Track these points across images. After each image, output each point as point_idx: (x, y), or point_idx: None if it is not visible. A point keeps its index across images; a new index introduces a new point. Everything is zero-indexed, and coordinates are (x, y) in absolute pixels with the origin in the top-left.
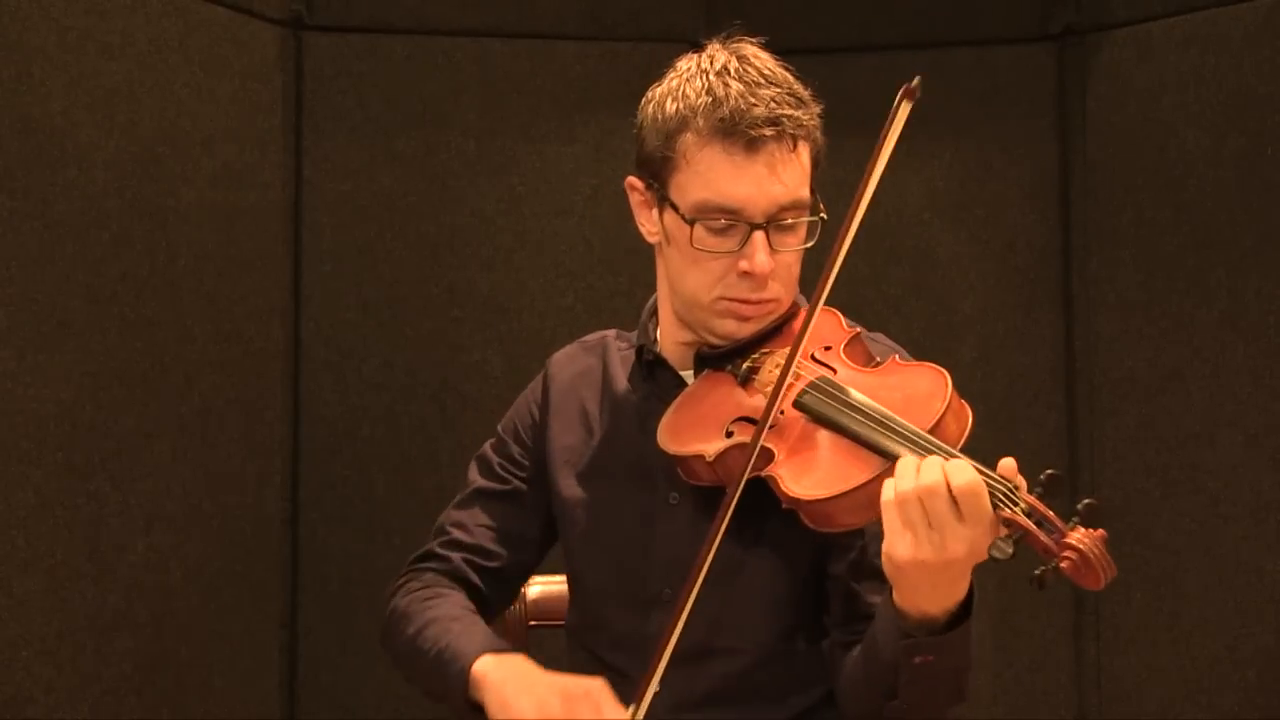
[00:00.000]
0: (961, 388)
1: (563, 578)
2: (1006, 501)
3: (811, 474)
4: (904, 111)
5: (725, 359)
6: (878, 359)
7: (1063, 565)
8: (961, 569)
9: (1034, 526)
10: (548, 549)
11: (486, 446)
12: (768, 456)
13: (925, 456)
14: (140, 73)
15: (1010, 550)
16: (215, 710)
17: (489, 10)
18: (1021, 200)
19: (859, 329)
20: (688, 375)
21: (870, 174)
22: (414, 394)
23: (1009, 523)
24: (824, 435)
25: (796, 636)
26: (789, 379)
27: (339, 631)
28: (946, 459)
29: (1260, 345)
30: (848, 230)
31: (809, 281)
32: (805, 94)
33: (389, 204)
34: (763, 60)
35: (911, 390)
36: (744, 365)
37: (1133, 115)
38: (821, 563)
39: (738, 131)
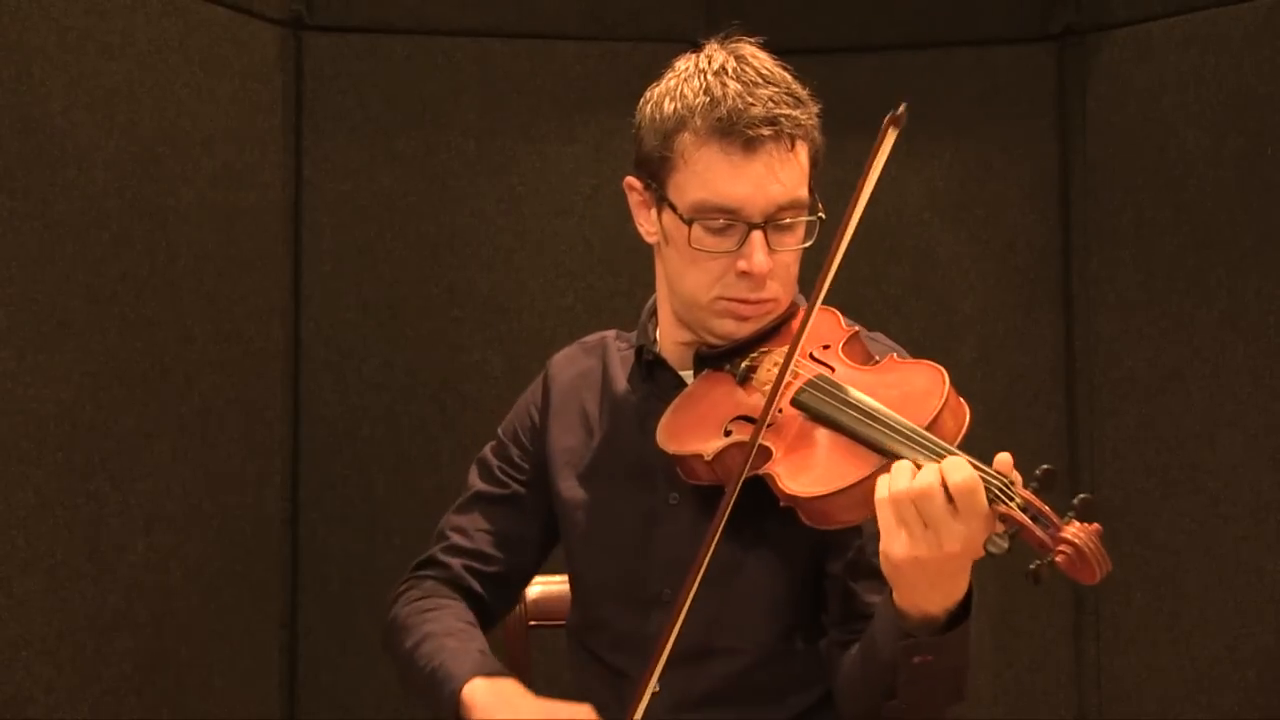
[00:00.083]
0: (961, 388)
1: (562, 578)
2: (1002, 497)
3: (809, 471)
4: (890, 139)
5: (724, 358)
6: (876, 358)
7: (1058, 560)
8: (958, 565)
9: (1029, 521)
10: (548, 552)
11: (487, 449)
12: (765, 454)
13: (920, 454)
14: (140, 73)
15: (1006, 545)
16: (215, 710)
17: (489, 10)
18: (1021, 200)
19: (857, 328)
20: (687, 375)
21: (856, 201)
22: (414, 394)
23: (1005, 518)
24: (821, 433)
25: (795, 636)
26: (787, 377)
27: (339, 631)
28: (943, 456)
29: (1260, 345)
30: (834, 256)
31: (807, 282)
32: (803, 93)
33: (389, 204)
34: (761, 60)
35: (909, 388)
36: (742, 364)
37: (1133, 115)
38: (820, 562)
39: (735, 131)
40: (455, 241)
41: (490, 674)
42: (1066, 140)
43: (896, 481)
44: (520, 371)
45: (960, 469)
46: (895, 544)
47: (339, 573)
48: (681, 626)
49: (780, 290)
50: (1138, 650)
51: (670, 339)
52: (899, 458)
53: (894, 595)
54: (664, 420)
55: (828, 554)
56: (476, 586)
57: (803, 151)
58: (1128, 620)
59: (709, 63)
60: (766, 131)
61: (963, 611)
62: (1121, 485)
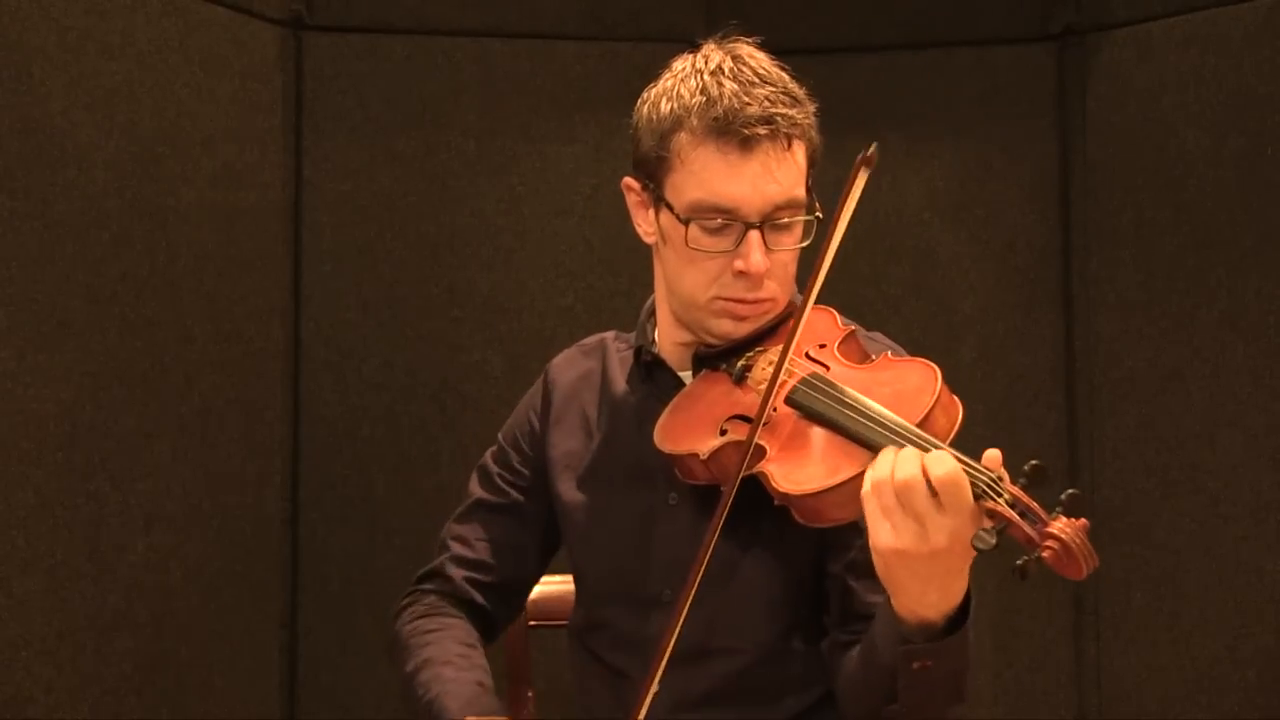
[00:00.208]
0: (961, 388)
1: (562, 578)
2: (990, 492)
3: (801, 469)
4: (861, 179)
5: (722, 358)
6: (873, 356)
7: (1044, 555)
8: (949, 564)
9: (1017, 517)
10: (549, 559)
11: (487, 456)
12: (760, 453)
13: (905, 448)
14: (140, 73)
15: (993, 541)
16: (215, 710)
17: (489, 10)
18: (1021, 200)
19: (853, 327)
20: (686, 376)
21: (830, 240)
22: (414, 394)
23: (992, 513)
24: (815, 431)
25: (794, 636)
26: (782, 376)
27: (339, 631)
28: (929, 450)
29: (1260, 345)
30: (809, 296)
31: (803, 284)
32: (800, 93)
33: (389, 204)
34: (758, 59)
35: (902, 386)
36: (739, 364)
37: (1133, 115)
38: (820, 562)
39: (731, 131)
40: (455, 241)
41: (482, 713)
42: (1066, 140)
43: (877, 470)
44: (520, 371)
45: (943, 462)
46: (880, 534)
47: (339, 573)
48: (685, 627)
49: (778, 290)
50: (1138, 650)
51: (669, 339)
52: None
53: (891, 600)
54: (661, 420)
55: (828, 553)
56: (479, 598)
57: (800, 151)
58: (1128, 620)
59: (705, 63)
60: (763, 131)
61: (961, 616)
62: (1121, 485)
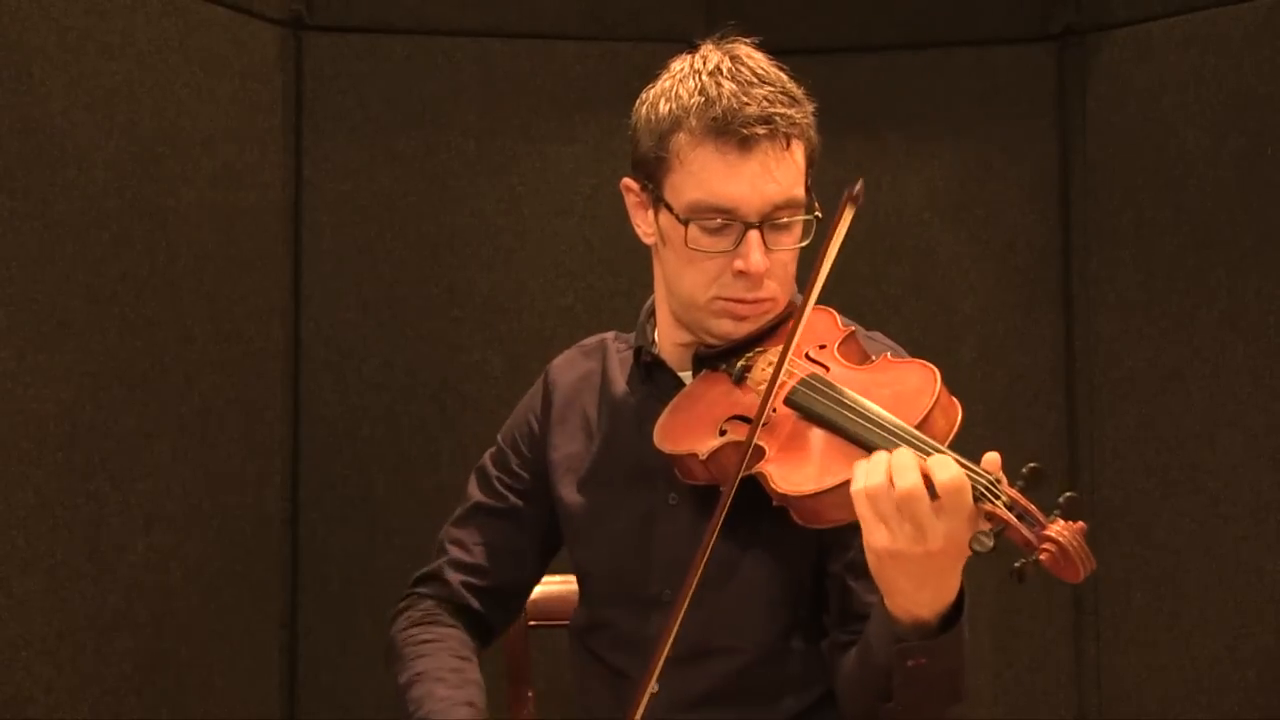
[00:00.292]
0: (961, 388)
1: (562, 578)
2: (988, 495)
3: (799, 470)
4: (847, 216)
5: (721, 358)
6: (873, 357)
7: (1042, 558)
8: (943, 563)
9: (1015, 519)
10: (548, 563)
11: (486, 458)
12: (759, 454)
13: (897, 450)
14: (140, 73)
15: (991, 544)
16: (215, 710)
17: (489, 10)
18: (1021, 200)
19: (853, 328)
20: (686, 376)
21: (816, 276)
22: (414, 394)
23: (990, 516)
24: (814, 432)
25: (794, 636)
26: (781, 376)
27: (339, 631)
28: (930, 454)
29: (1260, 345)
30: (807, 300)
31: (802, 284)
32: (799, 92)
33: (389, 204)
34: (756, 60)
35: (901, 387)
36: (738, 364)
37: (1133, 115)
38: (819, 562)
39: (730, 131)
40: (455, 241)
41: None
42: (1066, 140)
43: (873, 477)
44: (520, 371)
45: (947, 467)
46: (875, 536)
47: (339, 573)
48: (685, 627)
49: (778, 289)
50: (1138, 650)
51: (669, 340)
52: None
53: (884, 599)
54: (661, 421)
55: (827, 553)
56: (475, 604)
57: (798, 150)
58: (1128, 620)
59: (704, 63)
60: (761, 131)
61: (955, 614)
62: (1121, 485)
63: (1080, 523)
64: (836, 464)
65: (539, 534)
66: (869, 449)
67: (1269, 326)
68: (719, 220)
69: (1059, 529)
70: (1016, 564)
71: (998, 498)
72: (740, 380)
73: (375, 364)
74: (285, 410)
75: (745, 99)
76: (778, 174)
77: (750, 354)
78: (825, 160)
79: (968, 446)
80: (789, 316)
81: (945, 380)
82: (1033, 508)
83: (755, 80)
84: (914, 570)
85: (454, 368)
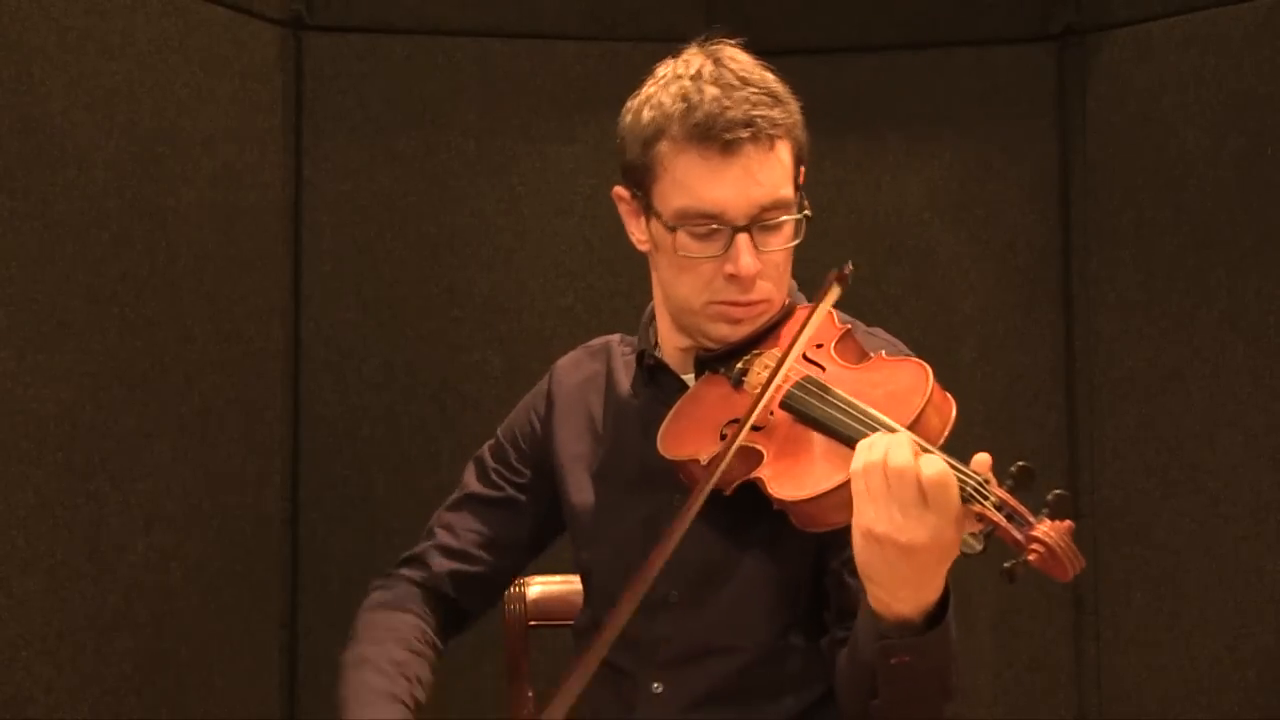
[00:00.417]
0: (961, 388)
1: (561, 578)
2: (977, 496)
3: (795, 475)
4: (833, 294)
5: (721, 361)
6: (871, 355)
7: (1030, 558)
8: (925, 561)
9: (1004, 520)
10: (535, 556)
11: (484, 449)
12: (757, 458)
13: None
14: (140, 73)
15: (979, 546)
16: (215, 710)
17: (489, 10)
18: (1021, 200)
19: (849, 325)
20: (689, 379)
21: (792, 346)
22: (414, 394)
23: (980, 517)
24: (810, 435)
25: (795, 635)
26: (778, 380)
27: (339, 631)
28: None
29: (1260, 345)
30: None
31: (807, 282)
32: (783, 91)
33: (389, 204)
34: (739, 62)
35: (894, 386)
36: (737, 367)
37: (1133, 115)
38: (820, 559)
39: (712, 135)
40: (455, 241)
41: None
42: (1066, 140)
43: (872, 452)
44: (520, 371)
45: (934, 464)
46: (862, 515)
47: (339, 573)
48: (680, 626)
49: (772, 290)
50: (1138, 650)
51: (670, 344)
52: None
53: (867, 595)
54: (664, 426)
55: (828, 550)
56: (452, 592)
57: (784, 150)
58: (1128, 620)
59: (686, 68)
60: (744, 134)
61: (941, 613)
62: (1121, 485)
63: (1068, 521)
64: (831, 468)
65: (531, 528)
66: None
67: (1269, 326)
68: (707, 226)
69: (1046, 530)
70: (1006, 564)
71: (986, 498)
72: (738, 384)
73: (375, 364)
74: (285, 410)
75: (727, 103)
76: (762, 176)
77: (748, 356)
78: (825, 160)
79: (968, 446)
80: (788, 316)
81: (945, 380)
82: (1021, 508)
83: (737, 83)
84: (894, 560)
85: (454, 368)
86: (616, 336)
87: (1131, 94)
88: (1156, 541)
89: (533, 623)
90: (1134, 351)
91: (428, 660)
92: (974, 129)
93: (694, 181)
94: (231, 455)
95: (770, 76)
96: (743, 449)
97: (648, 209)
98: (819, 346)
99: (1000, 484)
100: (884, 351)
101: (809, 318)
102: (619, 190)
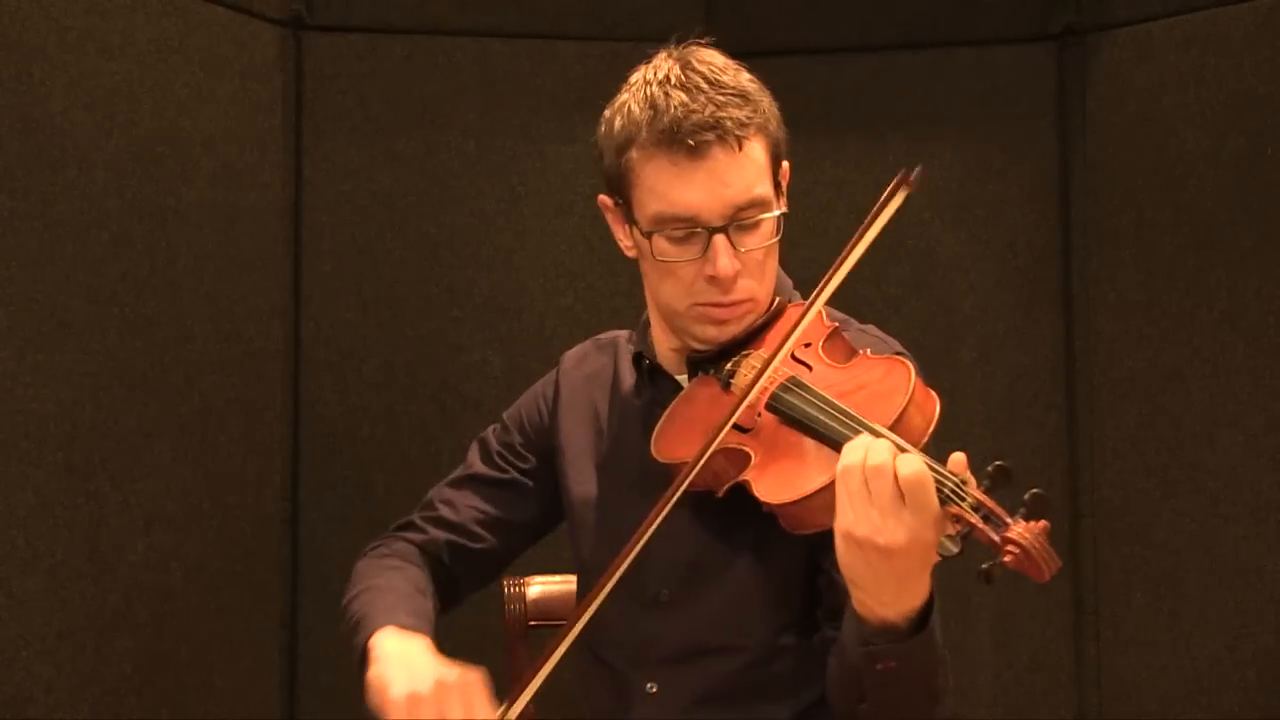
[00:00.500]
0: (961, 388)
1: (562, 578)
2: (954, 497)
3: (781, 477)
4: (898, 200)
5: (711, 362)
6: (860, 352)
7: (1005, 560)
8: (905, 564)
9: (980, 521)
10: (533, 541)
11: (489, 432)
12: (745, 460)
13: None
14: (140, 73)
15: (955, 549)
16: (215, 710)
17: (489, 10)
18: (1021, 200)
19: (836, 324)
20: (683, 380)
21: (850, 252)
22: (414, 394)
23: (957, 518)
24: (795, 437)
25: (793, 634)
26: (764, 381)
27: (339, 631)
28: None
29: (1260, 345)
30: (806, 310)
31: (807, 281)
32: (754, 90)
33: (389, 204)
34: (708, 64)
35: (877, 386)
36: (726, 368)
37: (1133, 115)
38: (813, 559)
39: (678, 140)
40: (455, 241)
41: (407, 629)
42: (1066, 140)
43: (851, 455)
44: (520, 371)
45: (911, 464)
46: (843, 518)
47: (339, 573)
48: (672, 625)
49: (756, 288)
50: (1138, 650)
51: (663, 345)
52: None
53: (851, 599)
54: (658, 428)
55: (820, 550)
56: (448, 561)
57: (756, 149)
58: (1128, 620)
59: (654, 73)
60: (709, 136)
61: (925, 618)
62: (1121, 485)
63: (1043, 522)
64: (816, 469)
65: (531, 510)
66: None
67: (1269, 326)
68: (682, 229)
69: (1020, 531)
70: (984, 566)
71: (963, 499)
72: (726, 385)
73: (375, 364)
74: (285, 410)
75: (693, 106)
76: (732, 176)
77: (737, 357)
78: (825, 160)
79: (968, 446)
80: (778, 315)
81: (945, 380)
82: (998, 509)
83: (705, 85)
84: (875, 563)
85: (454, 368)
86: (625, 333)
87: (1131, 94)
88: (1156, 541)
89: (533, 623)
90: (1134, 351)
91: (432, 608)
92: (974, 129)
93: (665, 187)
94: (231, 455)
95: (743, 76)
96: (731, 451)
97: (628, 216)
98: (807, 346)
99: (978, 485)
100: (869, 350)
101: (800, 316)
102: (603, 199)
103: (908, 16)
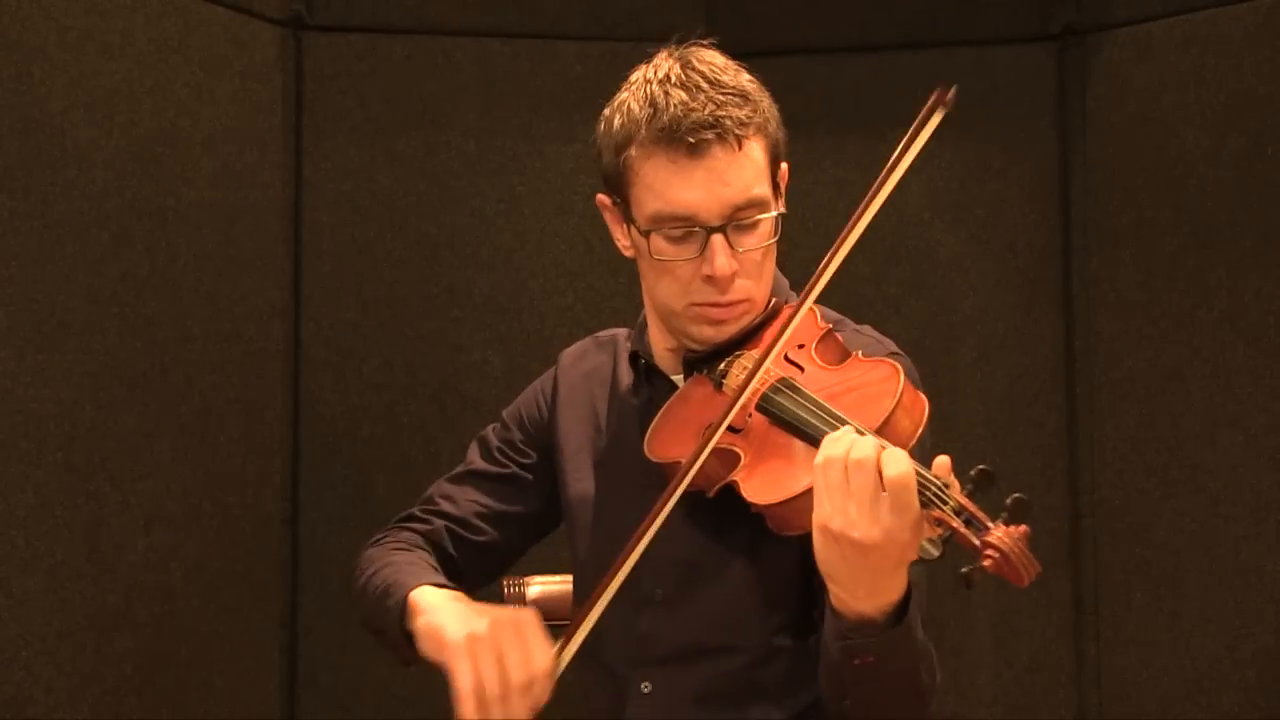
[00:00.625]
0: (961, 388)
1: (562, 578)
2: (936, 501)
3: (768, 478)
4: (935, 120)
5: (706, 362)
6: (852, 354)
7: (985, 564)
8: (880, 562)
9: (961, 525)
10: (537, 536)
11: (488, 430)
12: (735, 461)
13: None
14: (140, 73)
15: (936, 552)
16: (215, 710)
17: (489, 10)
18: (1021, 200)
19: (830, 325)
20: (678, 379)
21: (886, 179)
22: (414, 394)
23: (939, 522)
24: (785, 438)
25: (791, 634)
26: (756, 383)
27: (339, 631)
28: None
29: (1260, 345)
30: (854, 228)
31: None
32: (753, 90)
33: (389, 204)
34: (708, 63)
35: (866, 389)
36: (719, 368)
37: (1133, 115)
38: (807, 559)
39: (678, 139)
40: (455, 241)
41: (442, 586)
42: (1066, 140)
43: (835, 447)
44: (520, 371)
45: (898, 465)
46: (820, 510)
47: (339, 573)
48: (666, 624)
49: (753, 288)
50: (1138, 650)
51: (660, 345)
52: None
53: (829, 593)
54: (652, 428)
55: (813, 550)
56: (452, 550)
57: (755, 149)
58: (1128, 620)
59: (655, 73)
60: (709, 135)
61: (903, 613)
62: (1121, 485)
63: (1023, 527)
64: (803, 470)
65: (532, 506)
66: None
67: (1269, 326)
68: (680, 229)
69: (1000, 536)
70: (964, 570)
71: (945, 503)
72: (719, 385)
73: (375, 364)
74: (285, 410)
75: (692, 105)
76: (731, 176)
77: (730, 357)
78: (825, 160)
79: (968, 446)
80: (774, 316)
81: (945, 380)
82: (979, 513)
83: (704, 84)
84: (850, 558)
85: (454, 368)
86: (624, 331)
87: (1131, 94)
88: (1156, 541)
89: None
90: (1134, 351)
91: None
92: (974, 129)
93: (664, 185)
94: (231, 455)
95: (743, 76)
96: (722, 451)
97: (627, 215)
98: (800, 347)
99: (961, 488)
100: (860, 352)
101: (792, 316)
102: (601, 198)
103: (908, 16)
